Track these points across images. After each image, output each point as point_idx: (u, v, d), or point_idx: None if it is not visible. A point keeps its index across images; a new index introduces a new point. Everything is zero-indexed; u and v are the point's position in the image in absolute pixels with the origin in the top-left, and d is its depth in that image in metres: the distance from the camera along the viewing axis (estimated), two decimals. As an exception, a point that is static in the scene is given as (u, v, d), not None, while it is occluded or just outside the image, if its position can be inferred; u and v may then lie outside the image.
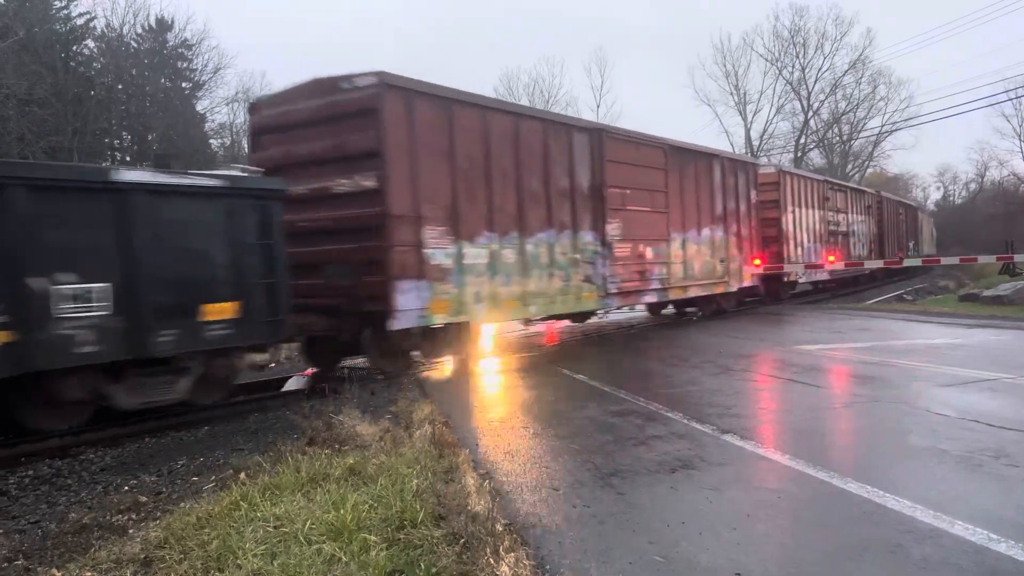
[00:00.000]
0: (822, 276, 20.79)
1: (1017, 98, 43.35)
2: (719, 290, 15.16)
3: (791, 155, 47.90)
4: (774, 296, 18.46)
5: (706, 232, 14.46)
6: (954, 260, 19.14)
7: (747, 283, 16.24)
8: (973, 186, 56.37)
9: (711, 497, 4.08)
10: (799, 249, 18.42)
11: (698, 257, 14.12)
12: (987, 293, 17.34)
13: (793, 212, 18.25)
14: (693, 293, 14.27)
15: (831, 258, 19.96)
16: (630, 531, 3.66)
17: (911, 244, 30.82)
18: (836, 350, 9.71)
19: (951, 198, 60.04)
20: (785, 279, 18.21)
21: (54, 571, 3.52)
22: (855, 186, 28.09)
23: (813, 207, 19.60)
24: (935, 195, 61.64)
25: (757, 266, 16.54)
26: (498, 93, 44.58)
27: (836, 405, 6.30)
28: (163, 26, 32.03)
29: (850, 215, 22.87)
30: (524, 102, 43.23)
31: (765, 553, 3.32)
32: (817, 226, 19.89)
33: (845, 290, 23.65)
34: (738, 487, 4.26)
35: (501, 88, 47.85)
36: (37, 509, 4.82)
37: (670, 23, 79.72)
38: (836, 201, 21.72)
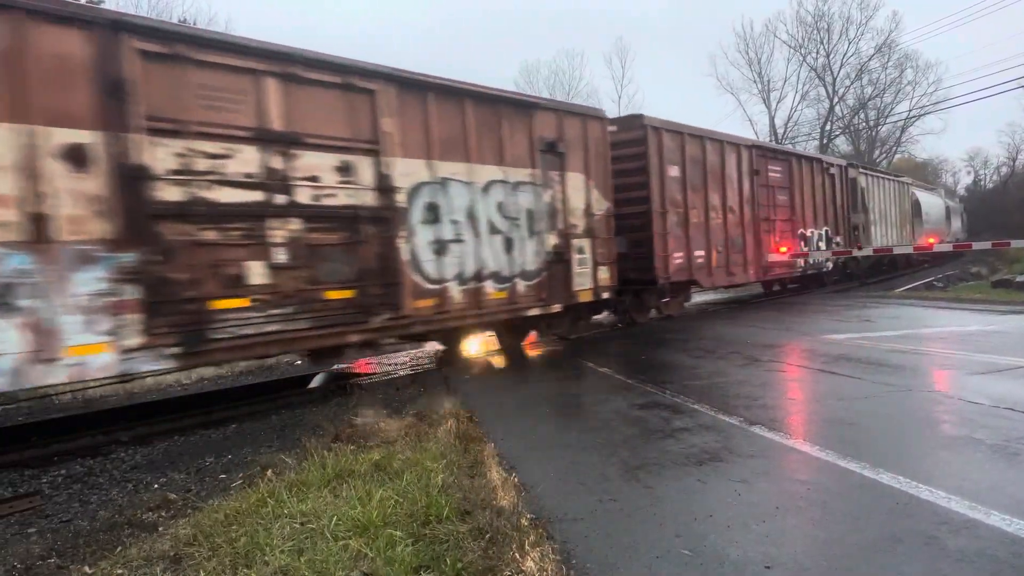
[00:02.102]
0: None
1: (1050, 78, 42.12)
2: None
3: (816, 142, 47.14)
4: None
5: None
6: (986, 245, 18.50)
7: None
8: (1004, 170, 55.04)
9: (739, 490, 4.02)
10: None
11: None
12: (1021, 278, 16.94)
13: None
14: None
15: None
16: (657, 525, 3.62)
17: (819, 233, 17.65)
18: (866, 339, 9.53)
19: (982, 182, 58.66)
20: None
21: (86, 569, 3.58)
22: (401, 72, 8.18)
23: None
24: (966, 179, 60.30)
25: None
26: (518, 86, 44.48)
27: (866, 394, 6.18)
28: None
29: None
30: (544, 95, 43.07)
31: (796, 546, 3.26)
32: None
33: None
34: (767, 479, 4.20)
35: (521, 81, 47.80)
36: (69, 508, 4.91)
37: (691, 12, 79.02)
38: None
